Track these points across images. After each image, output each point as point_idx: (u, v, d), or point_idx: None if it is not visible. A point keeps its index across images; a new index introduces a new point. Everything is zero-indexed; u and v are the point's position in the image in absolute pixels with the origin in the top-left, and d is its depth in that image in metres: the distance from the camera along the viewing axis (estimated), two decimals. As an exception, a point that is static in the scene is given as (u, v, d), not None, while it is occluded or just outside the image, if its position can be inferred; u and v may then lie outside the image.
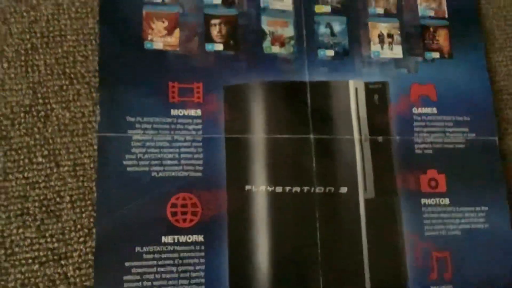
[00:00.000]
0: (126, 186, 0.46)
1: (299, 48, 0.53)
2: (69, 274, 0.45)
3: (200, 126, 0.49)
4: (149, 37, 0.50)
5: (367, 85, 0.53)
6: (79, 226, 0.46)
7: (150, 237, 0.46)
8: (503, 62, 0.58)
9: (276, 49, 0.53)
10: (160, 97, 0.49)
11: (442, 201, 0.51)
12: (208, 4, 0.52)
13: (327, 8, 0.55)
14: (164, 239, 0.46)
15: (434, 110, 0.54)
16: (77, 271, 0.46)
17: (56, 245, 0.46)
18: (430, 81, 0.54)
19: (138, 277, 0.45)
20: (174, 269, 0.46)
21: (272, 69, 0.52)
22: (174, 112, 0.49)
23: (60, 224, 0.46)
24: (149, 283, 0.45)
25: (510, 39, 0.59)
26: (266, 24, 0.53)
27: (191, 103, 0.49)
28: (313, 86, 0.52)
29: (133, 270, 0.45)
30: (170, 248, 0.46)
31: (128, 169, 0.47)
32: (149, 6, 0.51)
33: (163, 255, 0.46)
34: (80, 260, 0.46)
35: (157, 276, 0.45)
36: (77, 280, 0.45)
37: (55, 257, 0.46)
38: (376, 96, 0.53)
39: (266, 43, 0.52)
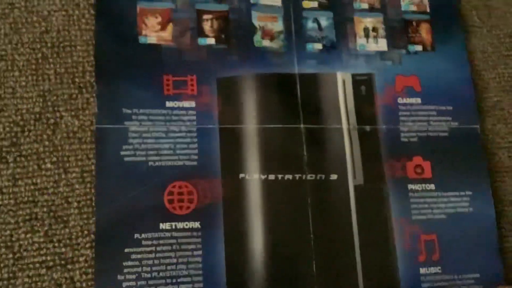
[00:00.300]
0: (123, 175, 0.48)
1: (288, 42, 0.55)
2: (75, 279, 0.46)
3: (194, 117, 0.51)
4: (143, 32, 0.52)
5: (354, 76, 0.55)
6: (86, 232, 0.47)
7: (148, 224, 0.47)
8: (482, 48, 0.61)
9: (266, 42, 0.54)
10: (155, 89, 0.50)
11: (428, 186, 0.53)
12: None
13: (314, 4, 0.57)
14: (162, 226, 0.47)
15: (418, 100, 0.56)
16: (84, 276, 0.46)
17: (63, 250, 0.47)
18: (414, 72, 0.56)
19: (137, 263, 0.46)
20: (172, 254, 0.47)
21: (263, 62, 0.54)
22: (169, 104, 0.50)
23: (67, 230, 0.47)
24: (148, 269, 0.46)
25: (490, 27, 0.62)
26: (257, 19, 0.55)
27: (185, 95, 0.51)
28: (303, 78, 0.54)
29: (133, 256, 0.46)
30: (167, 234, 0.47)
31: (126, 159, 0.48)
32: (143, 2, 0.52)
33: (161, 241, 0.47)
34: (86, 265, 0.46)
35: (156, 261, 0.47)
36: (83, 285, 0.46)
37: (62, 262, 0.46)
38: (363, 87, 0.55)
39: (257, 37, 0.54)
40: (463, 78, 0.57)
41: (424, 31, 0.58)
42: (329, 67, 0.55)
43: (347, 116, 0.53)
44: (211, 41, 0.53)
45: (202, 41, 0.53)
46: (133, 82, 0.50)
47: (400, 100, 0.55)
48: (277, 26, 0.55)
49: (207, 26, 0.53)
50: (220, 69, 0.52)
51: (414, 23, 0.58)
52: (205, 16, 0.54)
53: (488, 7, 0.63)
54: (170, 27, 0.52)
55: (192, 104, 0.51)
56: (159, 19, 0.52)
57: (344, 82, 0.54)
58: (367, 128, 0.54)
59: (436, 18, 0.59)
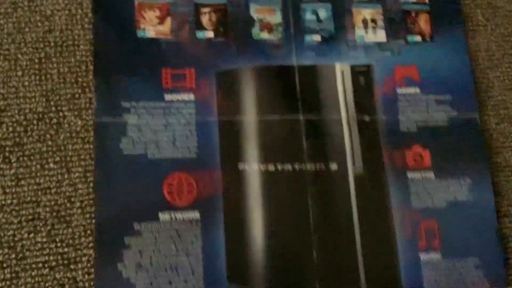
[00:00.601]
0: (123, 168, 0.48)
1: (286, 34, 0.55)
2: (78, 279, 0.46)
3: (193, 110, 0.51)
4: (142, 26, 0.52)
5: (353, 68, 0.55)
6: (88, 232, 0.47)
7: (148, 215, 0.47)
8: (486, 47, 0.61)
9: (264, 35, 0.54)
10: (154, 83, 0.51)
11: (427, 175, 0.53)
12: (198, -7, 0.54)
13: (312, -4, 0.57)
14: (161, 216, 0.48)
15: (417, 90, 0.56)
16: (86, 276, 0.46)
17: (66, 250, 0.47)
18: (413, 63, 0.56)
19: (137, 252, 0.46)
20: (172, 245, 0.47)
21: (261, 55, 0.54)
22: (168, 97, 0.51)
23: (70, 229, 0.47)
24: (148, 258, 0.46)
25: (495, 25, 0.62)
26: (255, 12, 0.55)
27: (184, 88, 0.51)
28: (301, 70, 0.54)
29: (133, 246, 0.46)
30: (167, 225, 0.47)
31: (125, 152, 0.48)
32: (141, -4, 0.53)
33: (161, 232, 0.47)
34: (89, 265, 0.47)
35: (156, 251, 0.47)
36: (86, 284, 0.46)
37: (65, 262, 0.46)
38: (362, 78, 0.55)
39: (255, 30, 0.54)
40: (462, 68, 0.57)
41: (423, 22, 0.58)
42: (328, 59, 0.55)
43: (346, 107, 0.53)
44: (210, 34, 0.53)
45: (200, 34, 0.53)
46: (131, 75, 0.50)
47: (399, 90, 0.55)
48: (276, 18, 0.55)
49: (205, 19, 0.54)
50: (218, 62, 0.53)
51: (413, 14, 0.58)
52: (203, 10, 0.54)
53: (493, 6, 0.62)
54: (168, 20, 0.53)
55: (191, 97, 0.51)
56: (158, 13, 0.53)
57: (343, 73, 0.54)
58: (367, 118, 0.54)
59: (435, 8, 0.59)
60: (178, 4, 0.53)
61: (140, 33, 0.52)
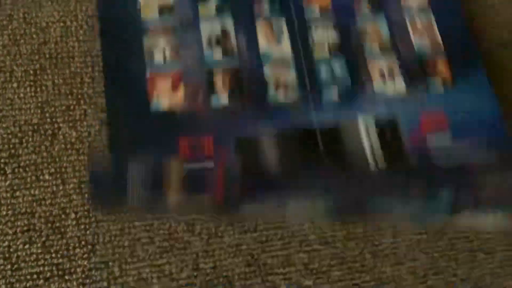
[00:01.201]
0: None
1: (303, 92, 0.53)
2: None
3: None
4: (155, 97, 0.50)
5: (377, 121, 0.53)
6: (83, 243, 0.47)
7: None
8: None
9: (280, 96, 0.53)
10: (171, 154, 0.49)
11: None
12: (209, 58, 0.53)
13: (325, 52, 0.55)
14: None
15: (448, 136, 0.53)
16: (81, 286, 0.45)
17: (60, 260, 0.46)
18: (438, 109, 0.54)
19: None
20: None
21: (279, 117, 0.52)
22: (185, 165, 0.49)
23: (64, 240, 0.47)
24: None
25: None
26: (268, 72, 0.53)
27: (203, 157, 0.49)
28: (323, 130, 0.51)
29: None
30: None
31: None
32: (152, 67, 0.52)
33: None
34: (84, 276, 0.46)
35: None
36: None
37: (60, 273, 0.46)
38: (387, 131, 0.52)
39: (270, 91, 0.53)
40: (489, 108, 0.55)
41: (442, 67, 0.56)
42: (348, 114, 0.53)
43: (376, 162, 0.51)
44: (224, 99, 0.52)
45: (215, 100, 0.51)
46: (148, 151, 0.48)
47: (429, 139, 0.53)
48: (290, 78, 0.54)
49: (219, 84, 0.52)
50: (235, 127, 0.51)
51: (429, 60, 0.57)
52: (217, 75, 0.52)
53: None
54: (181, 89, 0.51)
55: (211, 165, 0.49)
56: (170, 82, 0.51)
57: (367, 128, 0.52)
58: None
59: (453, 52, 0.57)
60: (190, 71, 0.52)
61: (153, 105, 0.50)
